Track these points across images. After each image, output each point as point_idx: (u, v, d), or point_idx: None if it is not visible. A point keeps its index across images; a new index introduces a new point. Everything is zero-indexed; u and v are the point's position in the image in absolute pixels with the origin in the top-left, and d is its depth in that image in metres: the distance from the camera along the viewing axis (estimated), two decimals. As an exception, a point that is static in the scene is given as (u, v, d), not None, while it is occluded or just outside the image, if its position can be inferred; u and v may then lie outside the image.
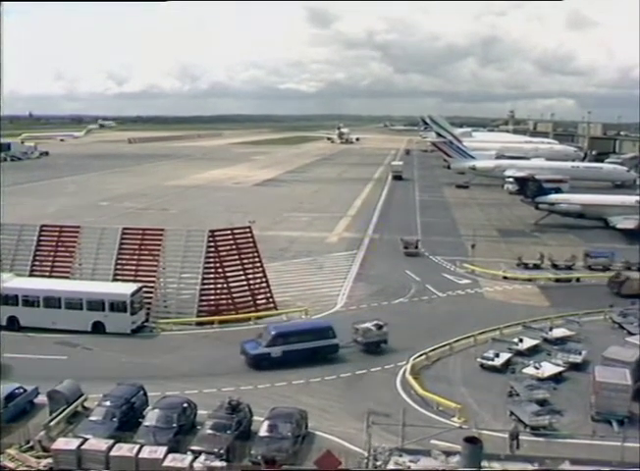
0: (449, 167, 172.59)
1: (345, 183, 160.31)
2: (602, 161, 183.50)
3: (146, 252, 59.76)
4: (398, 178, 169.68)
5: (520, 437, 34.51)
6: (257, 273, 60.00)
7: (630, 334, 50.98)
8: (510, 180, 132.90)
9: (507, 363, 46.11)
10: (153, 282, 58.14)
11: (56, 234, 62.61)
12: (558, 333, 52.04)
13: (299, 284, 67.80)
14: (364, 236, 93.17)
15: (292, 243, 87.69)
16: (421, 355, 46.90)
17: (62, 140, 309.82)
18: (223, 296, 58.21)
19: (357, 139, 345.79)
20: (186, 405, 37.22)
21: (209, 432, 34.78)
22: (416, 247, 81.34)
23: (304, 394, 41.54)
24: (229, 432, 34.63)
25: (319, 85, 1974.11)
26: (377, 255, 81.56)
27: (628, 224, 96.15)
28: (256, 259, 60.35)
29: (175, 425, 35.57)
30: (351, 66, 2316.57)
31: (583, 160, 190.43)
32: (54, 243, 61.79)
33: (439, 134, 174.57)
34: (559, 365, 45.46)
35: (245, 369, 45.64)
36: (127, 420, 36.36)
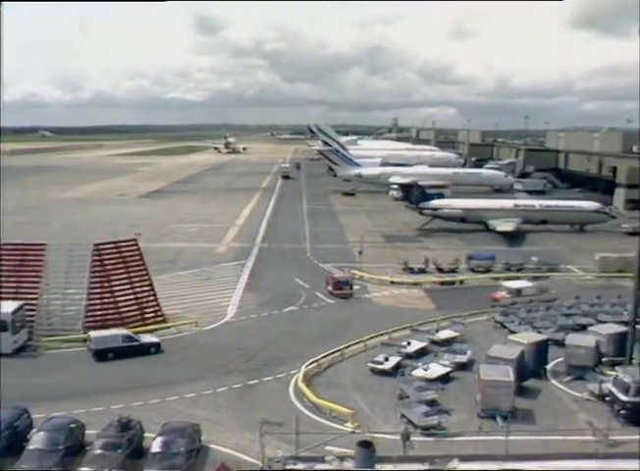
0: (335, 175, 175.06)
1: (232, 192, 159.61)
2: (481, 167, 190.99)
3: (28, 268, 57.40)
4: (286, 177, 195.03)
5: (412, 438, 35.41)
6: (145, 286, 58.88)
7: (512, 332, 53.17)
8: (395, 186, 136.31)
9: (397, 366, 47.08)
10: (36, 299, 55.96)
11: None
12: (444, 334, 53.68)
13: (189, 295, 66.89)
14: (253, 246, 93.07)
15: (180, 255, 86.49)
16: (313, 362, 47.25)
17: None
18: (110, 311, 56.67)
19: (244, 149, 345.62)
20: (73, 426, 35.90)
21: (99, 452, 33.69)
22: (351, 288, 68.02)
23: (196, 408, 41.03)
24: (119, 451, 33.70)
25: (205, 95, 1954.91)
26: (266, 264, 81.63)
27: (507, 226, 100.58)
28: (143, 272, 59.21)
29: (62, 447, 34.21)
30: (238, 75, 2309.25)
31: (463, 166, 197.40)
32: None
33: (325, 143, 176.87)
34: (446, 366, 46.88)
35: (136, 384, 44.58)
36: (9, 445, 34.72)
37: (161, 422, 36.56)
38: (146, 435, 36.08)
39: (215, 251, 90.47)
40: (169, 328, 56.73)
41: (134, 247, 59.78)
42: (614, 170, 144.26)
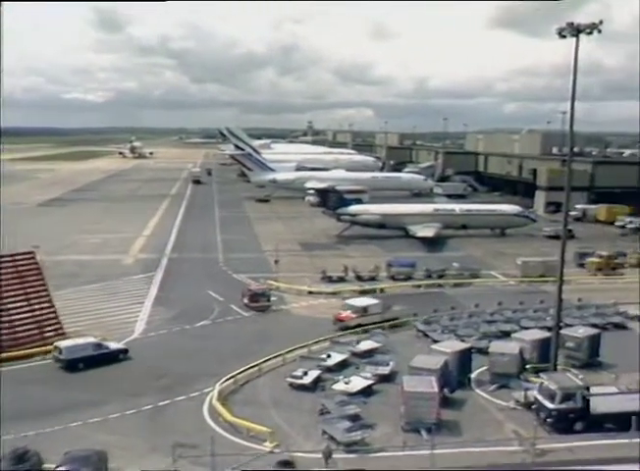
0: (248, 181, 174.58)
1: (139, 200, 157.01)
2: (400, 171, 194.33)
3: None
4: (197, 181, 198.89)
5: (334, 455, 35.32)
6: (43, 303, 57.11)
7: (435, 341, 53.93)
8: (311, 192, 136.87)
9: (317, 380, 47.10)
10: None
11: None
12: (365, 345, 54.01)
13: (93, 311, 65.05)
14: (162, 257, 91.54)
15: (83, 268, 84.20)
16: (228, 379, 46.67)
17: None
18: (4, 331, 54.53)
19: (151, 154, 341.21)
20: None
21: (-10, 487, 32.21)
22: (268, 300, 67.88)
23: (103, 433, 39.81)
24: (15, 484, 32.28)
25: (108, 95, 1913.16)
26: (177, 276, 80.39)
27: (427, 232, 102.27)
28: (42, 287, 57.46)
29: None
30: (144, 74, 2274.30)
31: (382, 170, 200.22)
32: None
33: (237, 147, 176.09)
34: (367, 378, 47.12)
35: (32, 412, 42.86)
36: None
37: (62, 451, 35.22)
38: (45, 466, 34.67)
39: (121, 263, 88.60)
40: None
41: (32, 261, 57.99)
42: (535, 172, 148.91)
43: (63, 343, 51.32)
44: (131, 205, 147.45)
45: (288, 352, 52.07)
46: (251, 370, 48.86)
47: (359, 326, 59.49)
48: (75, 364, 50.28)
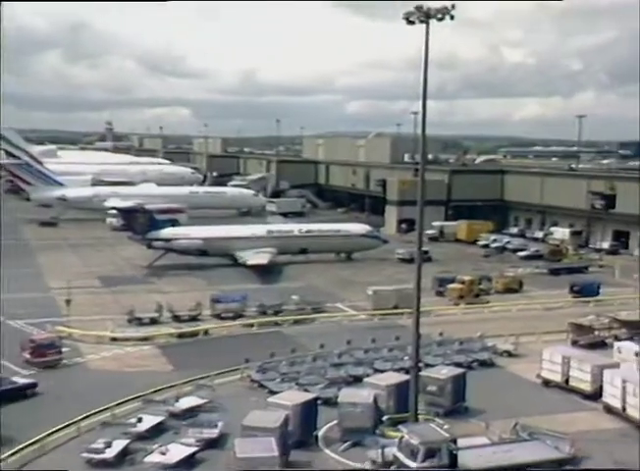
0: (28, 198, 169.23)
1: None
2: (225, 184, 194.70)
3: None
4: None
5: None
6: None
7: (272, 393, 53.78)
8: (113, 212, 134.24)
9: (125, 452, 45.46)
10: None
11: None
12: (186, 403, 52.99)
13: None
14: None
15: None
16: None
17: None
18: None
19: None
20: None
21: None
22: (59, 352, 64.62)
23: None
24: None
25: None
26: None
27: (260, 259, 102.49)
28: None
29: None
30: None
31: (202, 184, 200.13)
32: None
33: (10, 154, 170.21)
34: (190, 445, 46.10)
35: None
36: None
37: None
38: None
39: None
40: None
41: None
42: (384, 184, 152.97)
43: None
44: None
45: (83, 419, 49.86)
46: (32, 447, 46.04)
47: None
48: None
